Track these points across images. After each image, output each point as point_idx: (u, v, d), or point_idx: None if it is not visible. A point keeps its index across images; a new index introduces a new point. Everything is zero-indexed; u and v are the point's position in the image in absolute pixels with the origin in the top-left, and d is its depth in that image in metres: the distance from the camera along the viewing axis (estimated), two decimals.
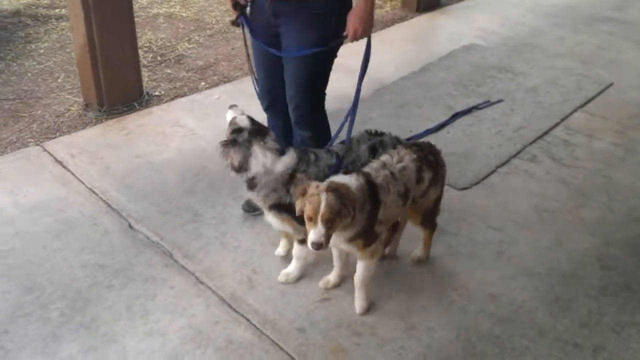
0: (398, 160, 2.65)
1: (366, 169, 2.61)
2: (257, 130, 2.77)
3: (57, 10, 5.97)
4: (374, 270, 2.71)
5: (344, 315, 2.77)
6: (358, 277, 2.71)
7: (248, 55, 3.16)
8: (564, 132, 4.24)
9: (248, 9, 3.00)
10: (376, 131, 2.97)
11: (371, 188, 2.54)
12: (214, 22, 6.02)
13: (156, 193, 3.52)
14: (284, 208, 2.72)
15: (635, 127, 4.32)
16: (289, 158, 2.74)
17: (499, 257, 3.14)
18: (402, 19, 6.12)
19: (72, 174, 3.65)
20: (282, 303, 2.83)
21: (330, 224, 2.36)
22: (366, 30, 2.79)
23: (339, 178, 2.52)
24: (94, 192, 3.50)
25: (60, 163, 3.75)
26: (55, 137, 4.04)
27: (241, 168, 2.72)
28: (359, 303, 2.77)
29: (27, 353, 2.56)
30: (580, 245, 3.24)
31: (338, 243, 2.61)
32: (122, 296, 2.84)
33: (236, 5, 2.96)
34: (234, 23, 3.02)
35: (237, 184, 3.53)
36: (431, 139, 4.08)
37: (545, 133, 4.22)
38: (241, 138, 2.74)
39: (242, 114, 2.83)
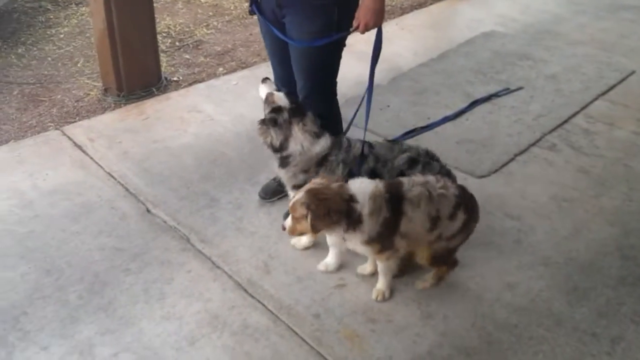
0: (441, 186, 2.58)
1: (402, 179, 2.60)
2: (296, 110, 2.81)
3: None
4: (394, 267, 2.71)
5: (359, 302, 2.77)
6: (379, 267, 2.73)
7: None
8: (584, 121, 4.19)
9: None
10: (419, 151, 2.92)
11: (395, 198, 2.52)
12: (232, 8, 6.00)
13: (173, 178, 3.52)
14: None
15: None
16: (325, 141, 2.81)
17: (517, 245, 3.11)
18: (420, 5, 6.06)
19: (91, 158, 3.67)
20: (298, 289, 2.82)
21: (296, 220, 2.49)
22: (377, 22, 2.75)
23: (354, 181, 2.57)
24: (112, 176, 3.52)
25: (79, 147, 3.76)
26: (74, 122, 4.06)
27: (280, 148, 2.77)
28: (378, 287, 2.77)
29: (46, 334, 2.58)
30: (599, 234, 3.20)
31: (353, 245, 2.61)
32: (139, 280, 2.85)
33: None
34: (250, 12, 3.01)
35: (254, 170, 3.56)
36: (450, 126, 4.07)
37: (565, 121, 4.17)
38: (281, 118, 2.78)
39: (277, 89, 2.86)
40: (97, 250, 3.01)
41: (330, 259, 2.93)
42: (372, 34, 2.85)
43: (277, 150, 2.81)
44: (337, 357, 2.51)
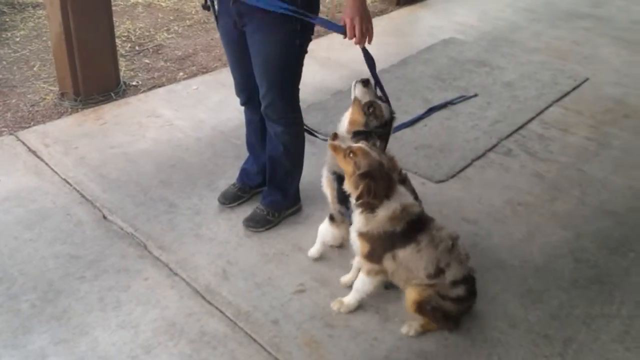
0: (464, 255, 2.56)
1: (435, 220, 2.57)
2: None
3: None
4: (368, 289, 2.64)
5: (318, 307, 2.76)
6: (355, 283, 2.70)
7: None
8: (539, 126, 4.26)
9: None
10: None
11: (418, 223, 2.49)
12: (193, 13, 5.95)
13: (131, 184, 3.47)
14: (337, 178, 2.73)
15: (609, 122, 4.35)
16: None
17: (473, 249, 3.12)
18: (382, 12, 6.11)
19: (46, 163, 3.60)
20: (257, 295, 2.81)
21: (342, 158, 2.46)
22: (366, 26, 2.67)
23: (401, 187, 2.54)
24: (67, 182, 3.45)
25: (34, 153, 3.69)
26: (29, 127, 3.97)
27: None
28: (344, 299, 2.73)
29: None
30: (553, 238, 3.26)
31: (353, 230, 2.57)
32: (95, 287, 2.80)
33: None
34: (204, 6, 2.93)
35: (214, 175, 3.54)
36: (408, 131, 4.10)
37: (521, 127, 4.24)
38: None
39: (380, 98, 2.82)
40: (51, 258, 2.95)
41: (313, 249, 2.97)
42: (338, 38, 2.84)
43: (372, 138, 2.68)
44: None
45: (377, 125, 2.72)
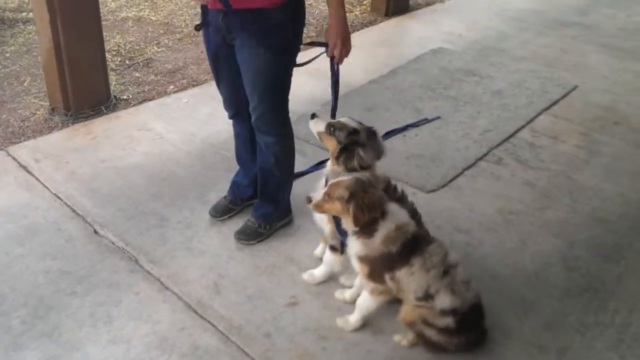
0: (463, 284, 2.48)
1: (437, 241, 2.53)
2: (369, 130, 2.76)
3: (24, 14, 5.86)
4: (373, 306, 2.61)
5: (310, 320, 2.74)
6: (358, 300, 2.66)
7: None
8: (529, 135, 4.26)
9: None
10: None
11: (414, 244, 2.46)
12: (183, 26, 5.96)
13: (122, 198, 3.45)
14: None
15: (598, 129, 4.36)
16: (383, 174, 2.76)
17: (466, 258, 3.11)
18: (371, 23, 6.12)
19: (37, 179, 3.58)
20: (249, 308, 2.78)
21: (330, 199, 2.42)
22: (346, 44, 2.77)
23: (396, 205, 2.52)
24: (58, 197, 3.43)
25: (24, 168, 3.67)
26: (20, 142, 3.96)
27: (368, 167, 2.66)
28: (349, 318, 2.69)
29: None
30: (544, 246, 3.25)
31: (352, 255, 2.53)
32: (86, 303, 2.77)
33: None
34: (197, 28, 2.93)
35: (205, 188, 3.52)
36: (399, 141, 4.09)
37: (511, 136, 4.24)
38: (362, 138, 2.69)
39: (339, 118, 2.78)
40: (42, 273, 2.92)
41: (319, 272, 2.91)
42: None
43: (364, 168, 2.65)
44: None
45: (347, 134, 2.68)
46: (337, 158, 2.69)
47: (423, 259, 2.44)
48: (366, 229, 2.43)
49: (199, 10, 2.93)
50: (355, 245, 2.49)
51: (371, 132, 2.75)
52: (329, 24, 2.75)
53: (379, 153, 2.73)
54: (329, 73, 2.94)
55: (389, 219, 2.44)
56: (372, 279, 2.53)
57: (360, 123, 2.75)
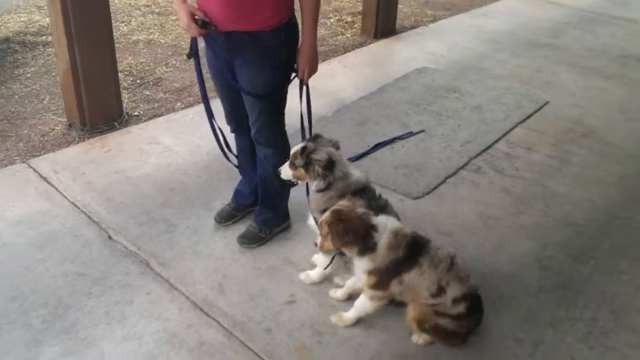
0: (464, 274, 2.51)
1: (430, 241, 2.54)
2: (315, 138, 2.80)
3: (43, 37, 5.86)
4: (370, 309, 2.61)
5: (307, 316, 2.75)
6: (357, 301, 2.66)
7: (202, 83, 3.07)
8: (505, 146, 4.28)
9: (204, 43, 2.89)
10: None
11: (418, 246, 2.47)
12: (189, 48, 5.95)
13: (134, 206, 3.45)
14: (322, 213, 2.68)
15: (569, 140, 4.39)
16: (358, 172, 2.79)
17: None
18: (361, 45, 6.14)
19: (56, 189, 3.57)
20: (251, 306, 2.79)
21: (323, 237, 2.48)
22: (313, 68, 2.82)
23: (382, 216, 2.54)
24: (75, 205, 3.43)
25: (44, 179, 3.66)
26: (40, 155, 3.95)
27: (330, 164, 2.67)
28: (345, 315, 2.69)
29: (11, 357, 2.49)
30: (520, 248, 3.26)
31: (358, 272, 2.54)
32: (101, 303, 2.77)
33: (195, 21, 2.70)
34: (189, 56, 2.91)
35: (210, 196, 3.53)
36: (387, 153, 4.11)
37: (489, 147, 4.25)
38: (312, 147, 2.72)
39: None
40: (60, 276, 2.92)
41: (314, 274, 2.91)
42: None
43: (328, 167, 2.67)
44: None
45: (301, 155, 2.70)
46: (310, 177, 2.72)
47: (430, 256, 2.45)
48: (365, 246, 2.43)
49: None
50: (362, 264, 2.49)
51: (316, 136, 2.81)
52: (301, 49, 2.77)
53: (333, 145, 2.77)
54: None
55: (382, 230, 2.45)
56: (377, 288, 2.52)
57: (306, 139, 2.80)
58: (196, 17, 2.67)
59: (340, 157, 2.75)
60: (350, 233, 2.40)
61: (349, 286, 2.79)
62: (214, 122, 3.08)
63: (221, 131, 3.13)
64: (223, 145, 3.17)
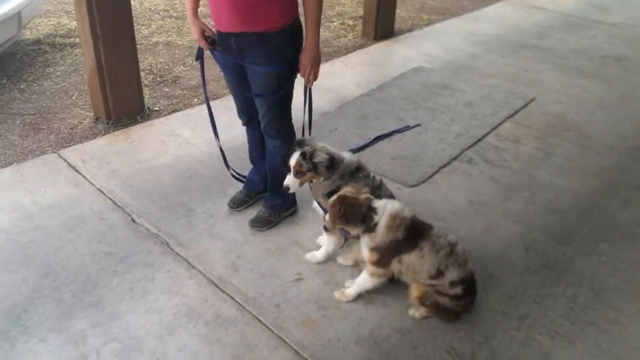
0: (462, 260, 2.51)
1: (434, 227, 2.55)
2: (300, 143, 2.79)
3: (71, 39, 5.85)
4: (370, 286, 2.62)
5: (313, 293, 2.76)
6: (358, 278, 2.67)
7: (204, 84, 3.18)
8: (494, 139, 4.27)
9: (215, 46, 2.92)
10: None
11: (418, 230, 2.47)
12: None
13: (155, 192, 3.46)
14: (331, 195, 2.68)
15: (553, 134, 4.37)
16: (349, 154, 2.80)
17: None
18: (362, 46, 6.11)
19: (84, 176, 3.58)
20: (261, 283, 2.80)
21: (332, 217, 2.48)
22: (314, 67, 2.77)
23: (384, 200, 2.56)
24: (102, 191, 3.44)
25: (73, 168, 3.67)
26: (69, 146, 3.96)
27: (332, 161, 2.68)
28: (347, 291, 2.70)
29: (44, 329, 2.51)
30: (508, 231, 3.26)
31: (363, 248, 2.56)
32: (126, 279, 2.79)
33: (205, 38, 2.83)
34: (197, 58, 3.00)
35: (224, 184, 3.53)
36: (386, 145, 4.10)
37: (480, 140, 4.24)
38: (309, 150, 2.71)
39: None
40: (89, 255, 2.94)
41: (319, 254, 2.92)
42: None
43: (331, 165, 2.68)
44: (294, 340, 2.49)
45: (306, 160, 2.69)
46: (319, 176, 2.72)
47: (431, 242, 2.45)
48: (367, 226, 2.46)
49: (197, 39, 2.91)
50: (366, 241, 2.52)
51: (299, 142, 2.80)
52: (304, 49, 2.74)
53: (315, 142, 2.78)
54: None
55: (380, 213, 2.46)
56: (378, 265, 2.53)
57: (296, 149, 2.76)
58: (206, 33, 2.81)
59: (333, 149, 2.76)
60: (351, 214, 2.43)
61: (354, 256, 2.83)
62: (218, 141, 3.23)
63: (221, 147, 3.25)
64: (225, 158, 3.28)
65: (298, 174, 2.73)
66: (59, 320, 2.55)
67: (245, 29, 2.66)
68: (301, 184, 2.78)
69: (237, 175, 3.37)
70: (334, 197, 2.50)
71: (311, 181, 2.80)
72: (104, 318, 2.57)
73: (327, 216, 2.55)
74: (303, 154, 2.70)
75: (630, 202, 3.57)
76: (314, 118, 3.77)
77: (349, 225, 2.48)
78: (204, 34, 2.82)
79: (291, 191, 2.82)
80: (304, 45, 2.76)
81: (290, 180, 2.76)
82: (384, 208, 2.48)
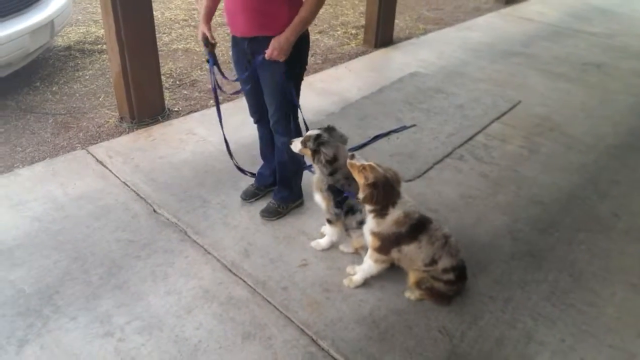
0: (454, 250, 2.50)
1: (434, 220, 2.52)
2: (328, 129, 2.74)
3: (99, 46, 5.86)
4: (375, 271, 2.61)
5: (317, 277, 2.77)
6: (363, 265, 2.66)
7: (216, 82, 3.11)
8: (483, 138, 4.25)
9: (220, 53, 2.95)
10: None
11: (419, 225, 2.45)
12: (220, 55, 5.93)
13: (174, 185, 3.47)
14: (332, 190, 2.69)
15: (538, 134, 4.35)
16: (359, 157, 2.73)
17: None
18: (363, 53, 6.09)
19: (110, 170, 3.59)
20: (271, 268, 2.81)
21: (358, 175, 2.43)
22: (279, 55, 2.64)
23: (410, 204, 2.50)
24: (126, 184, 3.45)
25: (100, 162, 3.69)
26: (97, 143, 3.97)
27: (333, 160, 2.64)
28: (353, 277, 2.69)
29: (74, 308, 2.53)
30: (495, 222, 3.26)
31: (366, 231, 2.54)
32: (148, 264, 2.80)
33: (207, 43, 2.89)
34: (206, 60, 3.00)
35: (236, 178, 3.53)
36: (384, 144, 4.10)
37: (470, 139, 4.23)
38: (324, 138, 2.67)
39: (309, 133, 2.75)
40: (114, 241, 2.95)
41: (323, 242, 2.91)
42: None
43: (330, 162, 2.65)
44: (300, 320, 2.50)
45: (314, 141, 2.68)
46: (314, 162, 2.70)
47: (429, 235, 2.45)
48: (379, 211, 2.42)
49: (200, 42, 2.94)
50: (370, 223, 2.49)
51: (330, 128, 2.76)
52: (279, 35, 2.62)
53: (342, 140, 2.73)
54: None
55: (398, 207, 2.43)
56: (379, 251, 2.52)
57: (322, 128, 2.74)
58: (207, 37, 2.88)
59: (345, 151, 2.71)
60: (381, 194, 2.38)
61: (354, 244, 2.81)
62: (225, 138, 3.25)
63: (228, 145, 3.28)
64: (233, 156, 3.32)
65: (303, 143, 2.72)
66: (87, 300, 2.57)
67: (258, 33, 2.66)
68: (301, 152, 2.77)
69: (240, 167, 3.36)
70: (381, 174, 2.39)
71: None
72: (128, 299, 2.59)
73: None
74: (318, 136, 2.68)
75: (608, 195, 3.55)
76: (319, 118, 3.77)
77: (374, 203, 2.40)
78: (205, 39, 2.88)
79: (292, 147, 2.79)
80: (282, 33, 2.63)
81: (298, 142, 2.76)
82: (404, 205, 2.45)
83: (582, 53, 6.30)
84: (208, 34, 2.86)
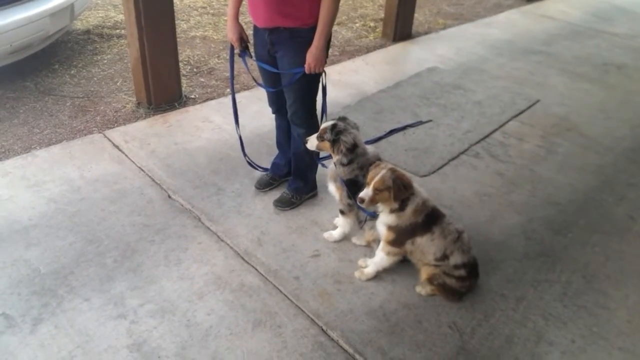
0: (466, 247, 2.51)
1: (446, 215, 2.53)
2: (342, 119, 2.74)
3: (118, 31, 5.90)
4: (387, 264, 2.63)
5: (329, 268, 2.78)
6: (375, 258, 2.67)
7: (253, 77, 3.18)
8: (500, 136, 4.23)
9: (251, 42, 2.97)
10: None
11: (433, 216, 2.46)
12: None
13: (189, 172, 3.50)
14: (348, 182, 2.69)
15: (555, 133, 4.32)
16: (372, 148, 2.77)
17: None
18: (381, 46, 6.07)
19: (126, 155, 3.63)
20: (283, 257, 2.83)
21: (378, 192, 2.40)
22: (317, 65, 2.71)
23: (424, 192, 2.52)
24: (141, 169, 3.49)
25: (116, 147, 3.72)
26: (113, 127, 4.01)
27: (353, 148, 2.65)
28: (365, 270, 2.70)
29: (88, 289, 2.57)
30: (509, 221, 3.25)
31: (380, 225, 2.55)
32: (161, 249, 2.84)
33: (241, 41, 2.93)
34: (239, 55, 3.00)
35: (251, 168, 3.54)
36: (400, 138, 4.09)
37: (487, 136, 4.21)
38: (341, 126, 2.66)
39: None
40: (129, 225, 2.99)
41: (336, 233, 2.93)
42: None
43: (351, 149, 2.64)
44: (311, 309, 2.52)
45: (331, 131, 2.67)
46: (333, 152, 2.70)
47: (442, 228, 2.46)
48: (401, 204, 2.44)
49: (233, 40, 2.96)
50: (388, 218, 2.50)
51: (342, 118, 2.76)
52: (311, 48, 2.68)
53: (355, 127, 2.73)
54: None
55: (417, 196, 2.46)
56: (393, 244, 2.53)
57: (334, 119, 2.74)
58: (242, 38, 2.91)
59: (360, 138, 2.74)
60: (405, 189, 2.41)
61: (368, 237, 2.81)
62: (238, 131, 3.29)
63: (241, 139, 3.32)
64: (244, 148, 3.34)
65: (320, 137, 2.72)
66: (102, 282, 2.61)
67: (279, 23, 2.68)
68: (318, 147, 2.77)
69: (252, 163, 3.38)
70: (386, 172, 2.41)
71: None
72: (142, 282, 2.62)
73: (367, 194, 2.43)
74: (334, 126, 2.68)
75: (624, 198, 3.53)
76: (335, 110, 3.77)
77: (390, 200, 2.42)
78: (241, 38, 2.91)
79: (308, 146, 2.79)
80: (313, 43, 2.69)
81: (313, 138, 2.76)
82: (420, 193, 2.49)
83: (604, 54, 6.23)
84: (244, 35, 2.91)
